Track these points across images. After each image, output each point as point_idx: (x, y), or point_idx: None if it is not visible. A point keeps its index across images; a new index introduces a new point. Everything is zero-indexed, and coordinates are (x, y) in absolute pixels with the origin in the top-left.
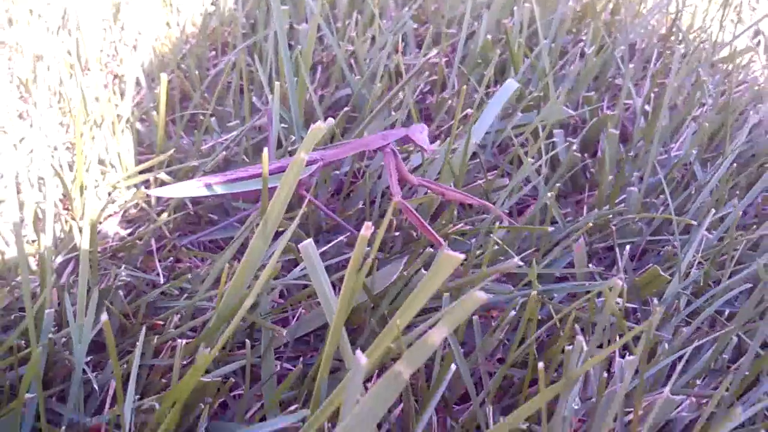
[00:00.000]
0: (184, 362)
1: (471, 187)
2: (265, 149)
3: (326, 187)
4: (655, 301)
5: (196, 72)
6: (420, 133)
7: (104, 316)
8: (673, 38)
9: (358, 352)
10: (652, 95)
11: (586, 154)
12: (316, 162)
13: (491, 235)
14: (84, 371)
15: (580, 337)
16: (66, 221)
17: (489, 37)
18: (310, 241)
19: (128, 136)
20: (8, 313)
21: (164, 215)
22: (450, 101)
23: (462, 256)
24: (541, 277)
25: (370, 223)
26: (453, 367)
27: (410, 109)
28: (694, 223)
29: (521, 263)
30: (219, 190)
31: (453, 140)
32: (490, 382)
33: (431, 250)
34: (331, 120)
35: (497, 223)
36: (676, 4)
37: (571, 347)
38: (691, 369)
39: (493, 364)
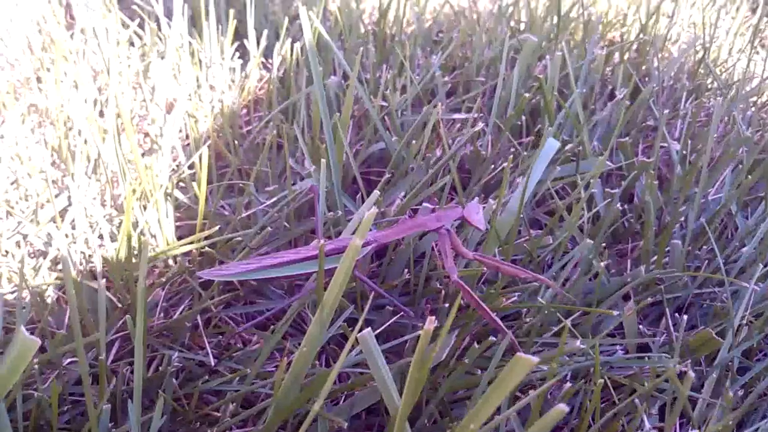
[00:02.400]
0: None
1: (514, 246)
2: (320, 242)
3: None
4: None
5: (231, 136)
6: (476, 213)
7: None
8: (702, 72)
9: None
10: (690, 141)
11: (625, 204)
12: (369, 244)
13: (557, 312)
14: None
15: (650, 425)
16: (111, 298)
17: (527, 94)
18: (369, 331)
19: (168, 205)
20: (61, 399)
21: (210, 291)
22: (485, 153)
23: (536, 360)
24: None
25: (433, 318)
26: None
27: (454, 179)
28: (747, 285)
29: (583, 345)
30: (271, 273)
31: (499, 207)
32: None
33: (491, 331)
34: (376, 193)
35: (550, 294)
36: (703, 41)
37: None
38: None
39: None
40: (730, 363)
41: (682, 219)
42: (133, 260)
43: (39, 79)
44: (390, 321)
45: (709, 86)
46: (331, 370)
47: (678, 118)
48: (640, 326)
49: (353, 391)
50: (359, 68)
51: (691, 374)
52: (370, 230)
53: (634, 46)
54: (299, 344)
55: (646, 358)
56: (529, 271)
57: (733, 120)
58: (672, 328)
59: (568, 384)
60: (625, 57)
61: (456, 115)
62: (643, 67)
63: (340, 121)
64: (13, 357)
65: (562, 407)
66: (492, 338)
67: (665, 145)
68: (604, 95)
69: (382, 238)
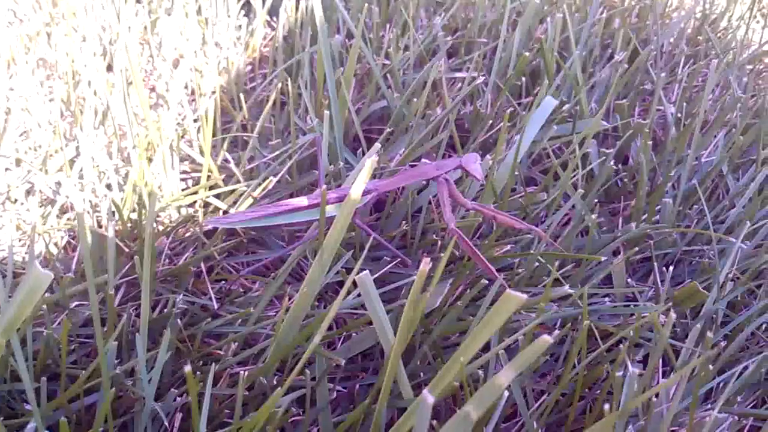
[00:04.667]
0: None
1: (509, 201)
2: (324, 187)
3: (367, 206)
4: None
5: (236, 92)
6: (473, 163)
7: (188, 367)
8: (700, 38)
9: (426, 391)
10: (685, 104)
11: (620, 165)
12: (370, 193)
13: (547, 264)
14: None
15: (634, 369)
16: (119, 244)
17: (527, 53)
18: (366, 273)
19: (174, 157)
20: (68, 340)
21: (214, 240)
22: (484, 111)
23: (524, 297)
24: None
25: (428, 259)
26: (506, 393)
27: (452, 130)
28: (734, 240)
29: (571, 290)
30: (275, 221)
31: (496, 162)
32: (542, 403)
33: (486, 280)
34: (378, 145)
35: (543, 247)
36: (703, 8)
37: (622, 374)
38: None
39: (537, 381)
40: (714, 315)
41: (675, 180)
42: (140, 210)
43: (49, 34)
44: (385, 269)
45: (707, 52)
46: (329, 310)
47: (675, 83)
48: (629, 281)
49: (350, 336)
50: (363, 27)
51: (673, 316)
52: (372, 180)
53: (635, 11)
54: (298, 291)
55: (632, 306)
56: (523, 222)
57: (729, 85)
58: (660, 283)
59: (557, 331)
60: (626, 22)
61: (457, 74)
62: (643, 33)
63: (344, 77)
64: (27, 290)
65: (547, 337)
66: (485, 281)
67: (661, 108)
68: (604, 59)
69: (383, 186)
